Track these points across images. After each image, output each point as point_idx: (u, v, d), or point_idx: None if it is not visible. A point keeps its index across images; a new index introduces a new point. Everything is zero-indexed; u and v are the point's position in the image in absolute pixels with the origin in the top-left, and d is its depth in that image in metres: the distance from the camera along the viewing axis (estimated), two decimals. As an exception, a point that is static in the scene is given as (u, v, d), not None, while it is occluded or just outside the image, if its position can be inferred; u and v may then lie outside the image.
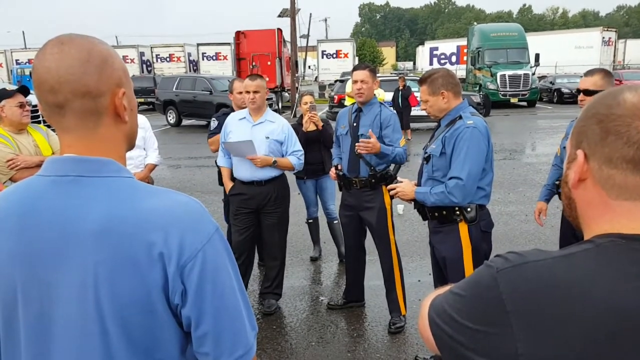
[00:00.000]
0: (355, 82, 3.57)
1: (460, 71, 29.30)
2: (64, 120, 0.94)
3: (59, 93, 0.91)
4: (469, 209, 2.72)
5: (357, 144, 3.41)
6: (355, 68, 3.68)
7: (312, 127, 4.70)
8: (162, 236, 0.89)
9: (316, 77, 34.75)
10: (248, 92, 3.74)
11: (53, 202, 0.91)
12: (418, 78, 16.29)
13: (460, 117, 2.72)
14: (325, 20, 59.19)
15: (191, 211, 0.95)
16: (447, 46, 39.58)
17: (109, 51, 0.96)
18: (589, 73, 3.12)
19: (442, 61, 37.27)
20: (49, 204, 0.91)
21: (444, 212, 2.77)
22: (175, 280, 0.89)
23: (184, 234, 0.90)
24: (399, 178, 3.07)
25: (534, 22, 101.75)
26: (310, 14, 29.93)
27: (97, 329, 0.89)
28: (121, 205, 0.90)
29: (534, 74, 22.38)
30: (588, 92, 3.01)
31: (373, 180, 3.62)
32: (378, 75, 3.96)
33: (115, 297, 0.88)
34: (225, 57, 29.95)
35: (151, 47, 32.59)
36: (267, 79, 4.12)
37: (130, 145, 1.05)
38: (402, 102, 13.14)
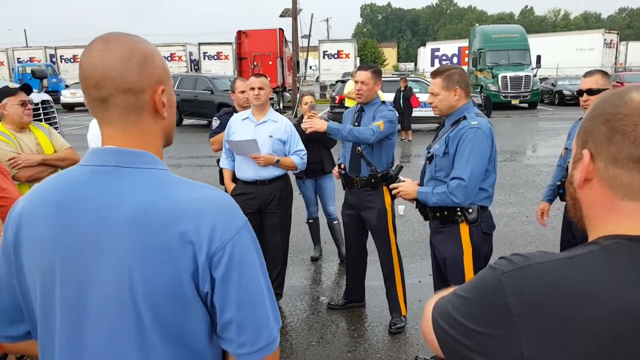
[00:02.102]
0: (356, 82, 3.59)
1: (461, 72, 29.19)
2: (107, 114, 0.99)
3: (103, 88, 0.96)
4: (470, 210, 2.72)
5: (302, 124, 3.59)
6: (358, 68, 3.69)
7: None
8: (193, 226, 0.92)
9: (317, 78, 34.72)
10: (253, 88, 3.76)
11: (91, 190, 0.96)
12: (419, 79, 16.34)
13: (465, 118, 2.72)
14: (327, 20, 59.27)
15: (223, 204, 1.00)
16: (449, 47, 39.58)
17: (151, 50, 1.01)
18: (589, 74, 3.15)
19: (444, 62, 37.21)
20: (86, 191, 0.96)
21: (446, 213, 2.77)
22: (204, 268, 0.93)
23: (214, 225, 0.94)
24: (401, 177, 3.07)
25: (535, 24, 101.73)
26: (312, 14, 30.02)
27: (132, 313, 0.92)
28: (155, 194, 0.95)
29: (535, 75, 22.36)
30: (591, 92, 3.02)
31: (373, 180, 3.62)
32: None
33: (147, 283, 0.91)
34: (226, 57, 29.93)
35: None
36: (269, 78, 4.12)
37: (168, 141, 1.09)
38: (404, 103, 13.14)
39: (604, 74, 3.12)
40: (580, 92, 3.11)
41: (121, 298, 0.92)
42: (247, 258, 0.97)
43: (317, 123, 3.49)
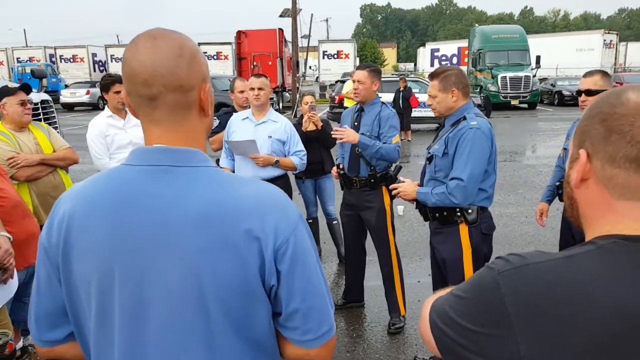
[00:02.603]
0: (353, 81, 3.60)
1: (461, 73, 29.23)
2: (155, 113, 0.97)
3: (152, 86, 0.94)
4: (470, 211, 2.72)
5: (332, 132, 3.44)
6: (357, 68, 3.70)
7: (311, 127, 4.70)
8: (259, 222, 0.94)
9: (317, 78, 34.73)
10: (252, 88, 3.76)
11: (149, 190, 0.95)
12: (419, 79, 16.35)
13: (464, 118, 2.72)
14: (327, 20, 59.25)
15: (280, 198, 1.02)
16: (448, 48, 39.61)
17: (196, 47, 1.01)
18: (588, 74, 3.13)
19: (443, 62, 37.22)
20: (145, 192, 0.95)
21: (445, 213, 2.77)
22: (270, 263, 0.95)
23: (277, 220, 0.96)
24: (400, 178, 3.07)
25: (535, 24, 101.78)
26: (312, 14, 30.06)
27: (198, 310, 0.93)
28: (218, 192, 0.95)
29: (534, 76, 22.37)
30: (590, 93, 3.02)
31: (372, 180, 3.62)
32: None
33: (215, 279, 0.92)
34: (226, 57, 29.91)
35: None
36: (269, 78, 4.12)
37: (207, 138, 1.10)
38: (403, 103, 13.14)
39: (604, 74, 3.09)
40: (580, 93, 3.11)
41: (187, 295, 0.92)
42: (306, 249, 1.00)
43: (350, 135, 3.41)
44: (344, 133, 3.42)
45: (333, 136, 3.52)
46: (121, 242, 0.94)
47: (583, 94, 3.07)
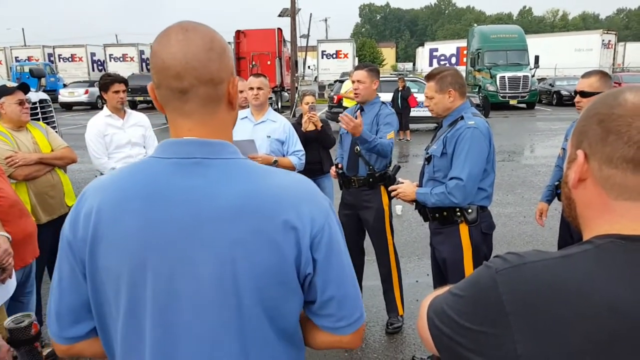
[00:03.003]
0: (353, 81, 3.60)
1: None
2: (186, 106, 0.97)
3: (184, 79, 0.93)
4: (469, 210, 2.72)
5: (340, 115, 3.34)
6: (356, 68, 3.70)
7: (311, 127, 4.70)
8: (295, 212, 0.95)
9: (316, 77, 34.73)
10: (252, 88, 3.76)
11: (181, 183, 0.94)
12: (417, 79, 16.36)
13: (462, 118, 2.72)
14: (326, 20, 59.21)
15: (312, 188, 1.03)
16: (447, 47, 39.63)
17: (225, 40, 1.02)
18: (586, 75, 3.10)
19: (442, 62, 37.25)
20: (176, 184, 0.94)
21: (445, 213, 2.77)
22: (307, 252, 0.96)
23: (312, 210, 0.97)
24: (399, 179, 3.07)
25: (534, 24, 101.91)
26: (311, 14, 30.01)
27: (233, 302, 0.93)
28: (252, 184, 0.96)
29: (533, 76, 22.41)
30: (584, 94, 3.01)
31: (371, 180, 3.62)
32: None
33: (252, 272, 0.93)
34: (225, 56, 29.89)
35: (151, 45, 32.44)
36: (268, 78, 4.12)
37: (232, 131, 1.09)
38: (402, 103, 13.16)
39: (603, 76, 3.05)
40: (576, 93, 3.10)
41: (222, 288, 0.92)
42: (339, 237, 1.02)
43: (358, 126, 3.27)
44: (351, 122, 3.25)
45: (340, 120, 3.34)
46: (153, 236, 0.93)
47: (578, 95, 3.07)
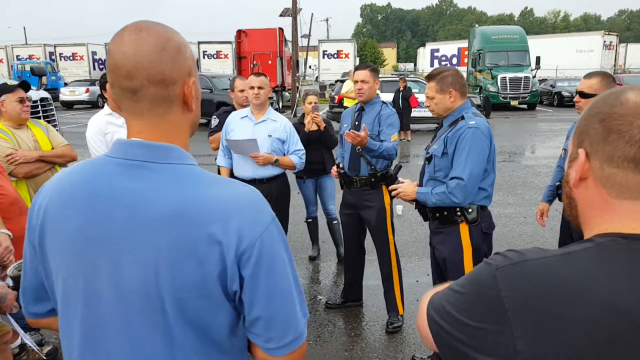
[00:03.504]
0: (356, 82, 3.60)
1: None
2: (137, 106, 0.96)
3: (135, 78, 0.93)
4: (470, 210, 2.72)
5: (346, 132, 3.40)
6: (356, 68, 3.70)
7: (314, 127, 4.70)
8: (222, 226, 0.91)
9: (317, 77, 34.72)
10: (252, 87, 3.76)
11: (122, 184, 0.94)
12: (419, 79, 16.34)
13: (463, 118, 2.72)
14: (327, 20, 59.19)
15: (250, 201, 0.98)
16: (448, 48, 39.64)
17: (182, 40, 0.99)
18: (588, 76, 3.10)
19: (443, 63, 37.26)
20: (117, 185, 0.94)
21: (445, 213, 2.77)
22: (233, 268, 0.93)
23: (242, 224, 0.93)
24: (400, 178, 3.07)
25: (535, 25, 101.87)
26: (312, 13, 30.04)
27: (157, 308, 0.92)
28: (187, 192, 0.93)
29: (534, 76, 22.39)
30: (583, 95, 3.01)
31: (373, 180, 3.62)
32: (379, 75, 3.95)
33: (173, 280, 0.91)
34: (226, 56, 29.88)
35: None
36: (269, 78, 4.12)
37: (193, 134, 1.08)
38: (403, 103, 13.16)
39: (605, 78, 3.03)
40: (577, 93, 3.10)
41: (147, 293, 0.92)
42: (275, 254, 0.97)
43: (364, 140, 3.33)
44: (357, 137, 3.30)
45: (345, 138, 3.44)
46: (91, 234, 0.94)
47: (578, 95, 3.07)
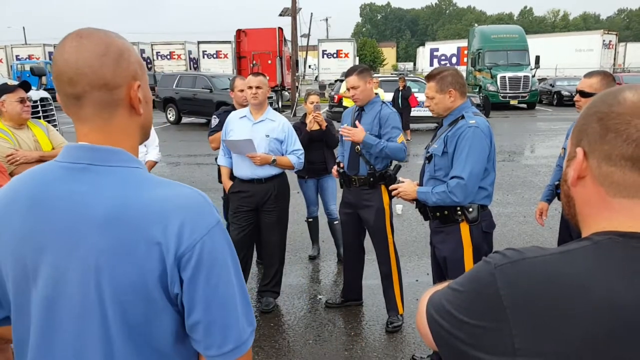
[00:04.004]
0: (348, 89, 3.61)
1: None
2: (81, 111, 0.97)
3: (77, 85, 0.94)
4: (470, 209, 2.73)
5: (342, 127, 3.46)
6: (346, 74, 3.66)
7: (315, 127, 4.71)
8: (161, 227, 0.91)
9: (316, 77, 34.72)
10: (250, 87, 3.76)
11: (63, 188, 0.94)
12: (418, 79, 16.33)
13: (463, 117, 2.72)
14: (326, 19, 59.19)
15: (193, 203, 0.97)
16: (448, 47, 39.59)
17: (126, 45, 0.99)
18: (588, 75, 3.11)
19: (443, 62, 37.23)
20: (59, 189, 0.95)
21: (446, 212, 2.78)
22: (173, 270, 0.92)
23: (182, 226, 0.92)
24: (400, 178, 3.07)
25: (534, 25, 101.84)
26: (312, 13, 30.02)
27: (97, 312, 0.92)
28: (126, 194, 0.93)
29: (534, 76, 22.41)
30: (583, 94, 3.02)
31: (372, 179, 3.62)
32: (378, 75, 3.95)
33: (114, 283, 0.90)
34: (225, 55, 29.90)
35: (151, 45, 32.47)
36: (268, 77, 4.13)
37: (144, 137, 1.08)
38: (402, 103, 13.16)
39: (605, 77, 3.03)
40: (577, 92, 3.11)
41: (88, 297, 0.91)
42: (217, 258, 0.95)
43: (357, 134, 3.42)
44: (351, 132, 3.44)
45: (341, 134, 3.53)
46: (33, 238, 0.94)
47: (578, 94, 3.08)
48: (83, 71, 0.93)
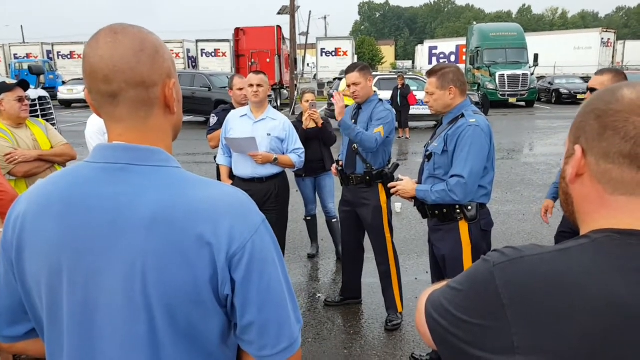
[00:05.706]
0: (348, 85, 3.61)
1: (459, 70, 29.28)
2: (116, 110, 0.94)
3: (113, 82, 0.90)
4: (469, 208, 2.73)
5: (334, 92, 3.52)
6: (346, 71, 3.67)
7: (311, 125, 4.71)
8: (211, 227, 0.88)
9: (315, 75, 34.68)
10: (251, 85, 3.75)
11: (102, 189, 0.91)
12: (417, 77, 16.33)
13: (463, 115, 2.72)
14: (325, 18, 59.06)
15: (239, 202, 0.95)
16: (447, 45, 39.57)
17: (160, 41, 0.97)
18: (600, 72, 3.04)
19: (441, 60, 37.22)
20: (97, 190, 0.91)
21: (445, 210, 2.78)
22: (224, 271, 0.89)
23: (232, 225, 0.90)
24: (400, 176, 3.07)
25: (533, 23, 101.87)
26: (310, 11, 29.86)
27: (144, 316, 0.88)
28: (172, 194, 0.90)
29: (532, 74, 22.40)
30: (594, 92, 2.98)
31: (368, 177, 3.62)
32: (377, 73, 3.97)
33: (162, 286, 0.87)
34: (224, 54, 29.87)
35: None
36: (267, 76, 4.12)
37: (176, 137, 1.05)
38: (401, 101, 13.17)
39: (616, 75, 2.95)
40: (588, 89, 3.05)
41: (133, 301, 0.88)
42: (267, 257, 0.94)
43: (339, 103, 3.51)
44: (336, 98, 3.52)
45: (332, 101, 3.64)
46: (70, 243, 0.90)
47: (589, 92, 3.03)
48: (120, 68, 0.89)
